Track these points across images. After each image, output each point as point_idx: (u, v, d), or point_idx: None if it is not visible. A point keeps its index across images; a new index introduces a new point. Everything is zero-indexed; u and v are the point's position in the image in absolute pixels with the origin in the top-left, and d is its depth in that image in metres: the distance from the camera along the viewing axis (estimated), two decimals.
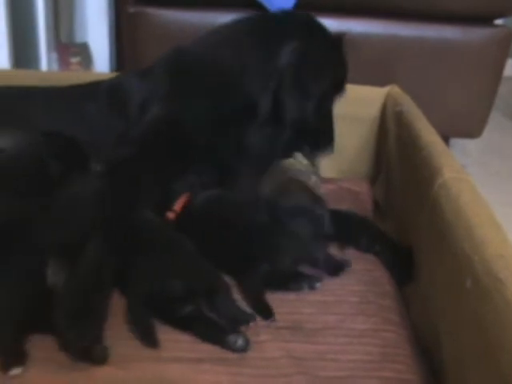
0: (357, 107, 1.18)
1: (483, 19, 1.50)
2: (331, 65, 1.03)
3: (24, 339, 0.66)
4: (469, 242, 0.63)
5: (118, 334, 0.69)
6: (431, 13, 1.48)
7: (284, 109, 0.98)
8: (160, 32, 1.43)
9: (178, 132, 0.94)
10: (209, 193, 0.90)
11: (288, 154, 1.01)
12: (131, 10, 1.45)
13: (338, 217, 0.91)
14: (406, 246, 0.90)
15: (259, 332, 0.71)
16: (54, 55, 1.67)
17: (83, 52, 1.75)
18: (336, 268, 0.83)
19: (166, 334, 0.69)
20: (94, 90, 1.04)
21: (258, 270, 0.78)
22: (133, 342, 0.68)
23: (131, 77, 1.05)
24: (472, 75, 1.52)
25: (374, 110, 1.20)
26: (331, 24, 1.03)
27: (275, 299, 0.76)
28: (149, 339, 0.68)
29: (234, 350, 0.68)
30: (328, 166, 1.13)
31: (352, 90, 1.08)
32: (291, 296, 0.78)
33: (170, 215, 0.87)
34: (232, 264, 0.81)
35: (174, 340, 0.69)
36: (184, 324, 0.71)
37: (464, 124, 1.59)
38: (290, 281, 0.79)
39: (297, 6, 1.34)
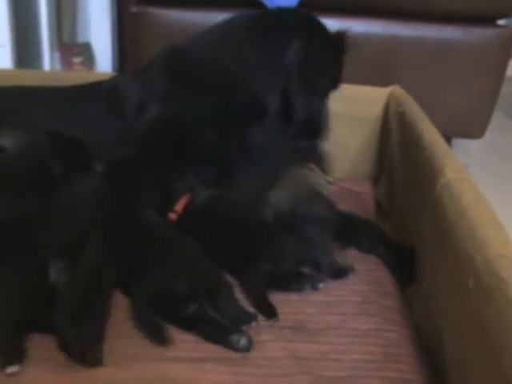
0: (359, 107, 1.19)
1: (484, 19, 1.50)
2: (333, 63, 1.03)
3: (23, 338, 0.65)
4: (471, 241, 0.63)
5: (119, 333, 0.69)
6: (431, 13, 1.48)
7: (294, 108, 0.98)
8: (162, 32, 1.43)
9: (177, 131, 0.94)
10: (210, 193, 0.90)
11: (289, 149, 1.01)
12: (133, 9, 1.45)
13: (341, 218, 0.91)
14: (408, 246, 0.90)
15: (261, 332, 0.71)
16: (57, 55, 1.67)
17: (86, 52, 1.75)
18: (339, 273, 0.83)
19: (170, 334, 0.69)
20: (93, 90, 1.04)
21: (259, 270, 0.78)
22: (135, 341, 0.68)
23: (128, 77, 1.05)
24: (472, 75, 1.52)
25: (376, 111, 1.20)
26: (332, 24, 1.03)
27: (278, 299, 0.77)
28: (157, 337, 0.68)
29: (236, 349, 0.68)
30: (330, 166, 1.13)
31: (354, 90, 1.08)
32: (294, 296, 0.78)
33: (172, 216, 0.87)
34: (234, 264, 0.81)
35: (177, 340, 0.69)
36: (187, 324, 0.71)
37: (465, 124, 1.59)
38: (293, 281, 0.80)
39: (299, 5, 1.34)
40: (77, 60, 1.69)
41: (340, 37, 1.02)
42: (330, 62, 1.03)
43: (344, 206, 1.00)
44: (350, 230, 0.93)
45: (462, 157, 1.72)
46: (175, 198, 0.88)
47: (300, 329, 0.73)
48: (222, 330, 0.70)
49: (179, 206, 0.87)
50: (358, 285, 0.82)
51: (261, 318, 0.73)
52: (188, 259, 0.77)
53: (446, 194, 0.75)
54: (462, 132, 1.62)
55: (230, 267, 0.80)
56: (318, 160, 1.04)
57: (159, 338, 0.68)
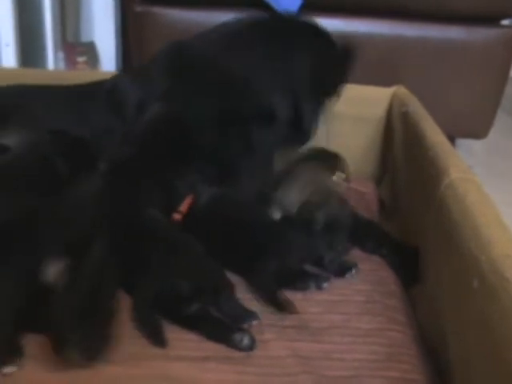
0: (363, 107, 1.18)
1: (488, 19, 1.50)
2: (338, 74, 1.03)
3: (21, 338, 0.65)
4: (475, 241, 0.63)
5: (122, 332, 0.68)
6: (435, 13, 1.48)
7: (303, 120, 0.98)
8: (166, 31, 1.43)
9: (179, 131, 0.94)
10: (212, 192, 0.90)
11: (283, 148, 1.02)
12: (138, 9, 1.45)
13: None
14: (412, 246, 0.89)
15: (264, 331, 0.71)
16: (61, 54, 1.68)
17: (90, 51, 1.76)
18: (342, 269, 0.83)
19: (172, 333, 0.69)
20: (94, 90, 1.03)
21: (267, 267, 0.78)
22: (138, 340, 0.68)
23: (129, 76, 1.05)
24: (476, 76, 1.52)
25: (380, 111, 1.19)
26: (335, 24, 1.04)
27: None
28: (156, 338, 0.68)
29: (239, 348, 0.68)
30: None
31: (358, 91, 1.08)
32: (297, 295, 0.78)
33: (177, 216, 0.86)
34: (239, 263, 0.81)
35: (179, 339, 0.69)
36: (190, 323, 0.70)
37: (469, 124, 1.59)
38: (297, 280, 0.79)
39: (303, 6, 1.34)
40: (81, 59, 1.69)
41: (347, 49, 1.02)
42: (336, 73, 1.02)
43: None
44: (353, 231, 0.92)
45: (465, 157, 1.69)
46: (179, 199, 0.88)
47: (303, 328, 0.73)
48: (224, 328, 0.70)
49: (183, 207, 0.87)
50: (362, 284, 0.82)
51: (264, 317, 0.73)
52: (191, 259, 0.77)
53: (450, 194, 0.75)
54: (466, 132, 1.62)
55: (234, 266, 0.80)
56: (331, 158, 1.04)
57: (158, 340, 0.68)
